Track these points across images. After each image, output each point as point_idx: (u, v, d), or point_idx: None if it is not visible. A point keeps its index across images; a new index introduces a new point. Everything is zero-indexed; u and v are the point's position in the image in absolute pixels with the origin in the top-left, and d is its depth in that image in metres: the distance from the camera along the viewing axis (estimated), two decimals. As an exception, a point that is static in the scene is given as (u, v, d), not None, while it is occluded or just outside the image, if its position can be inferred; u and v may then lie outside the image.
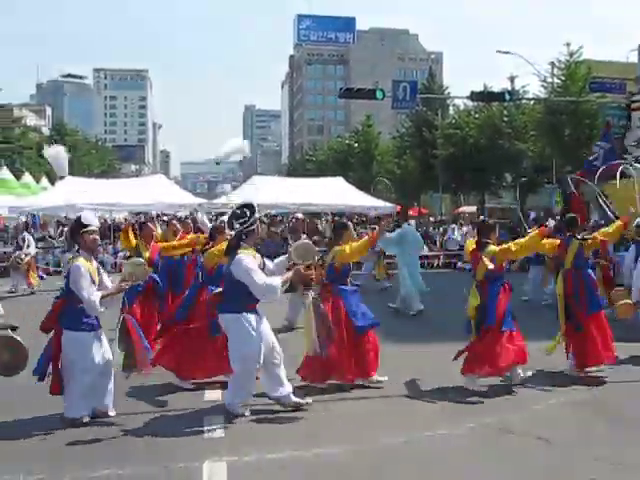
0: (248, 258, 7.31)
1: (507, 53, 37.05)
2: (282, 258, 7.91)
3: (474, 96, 29.94)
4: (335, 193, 28.57)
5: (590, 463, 6.13)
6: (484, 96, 30.84)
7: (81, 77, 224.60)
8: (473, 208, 50.42)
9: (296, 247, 7.90)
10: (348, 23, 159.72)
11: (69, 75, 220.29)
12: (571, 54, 34.26)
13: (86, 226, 7.26)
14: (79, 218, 7.37)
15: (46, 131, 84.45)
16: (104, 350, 7.18)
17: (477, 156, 41.37)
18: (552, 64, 35.08)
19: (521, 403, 8.02)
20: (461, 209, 53.88)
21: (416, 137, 50.31)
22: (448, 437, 6.84)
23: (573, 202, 14.00)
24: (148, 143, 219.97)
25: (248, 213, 7.53)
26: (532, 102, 39.10)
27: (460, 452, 6.46)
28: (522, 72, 63.23)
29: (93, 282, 7.10)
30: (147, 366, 7.54)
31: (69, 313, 7.05)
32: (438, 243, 29.90)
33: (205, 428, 7.00)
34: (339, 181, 32.16)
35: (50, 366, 7.06)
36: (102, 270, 7.49)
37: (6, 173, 39.75)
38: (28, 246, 20.20)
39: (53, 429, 6.98)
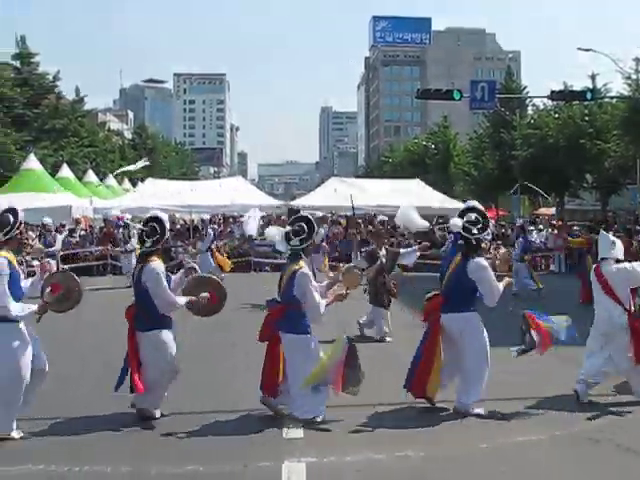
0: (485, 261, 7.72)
1: (588, 50, 36.14)
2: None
3: (554, 95, 29.38)
4: (413, 195, 28.44)
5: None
6: (564, 95, 30.23)
7: (162, 82, 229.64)
8: (552, 210, 49.46)
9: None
10: (424, 24, 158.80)
11: (150, 80, 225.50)
12: (657, 50, 33.28)
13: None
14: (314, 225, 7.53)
15: (128, 135, 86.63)
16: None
17: (556, 157, 40.54)
18: (637, 60, 34.12)
19: (609, 411, 7.78)
20: (539, 211, 52.92)
21: (494, 138, 49.64)
22: (530, 444, 6.69)
23: None
24: (226, 145, 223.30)
25: (480, 218, 7.76)
26: (615, 100, 38.12)
27: (542, 460, 6.31)
28: (604, 70, 61.59)
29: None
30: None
31: (291, 318, 7.23)
32: (516, 245, 29.34)
33: (285, 429, 7.05)
34: (417, 182, 32.04)
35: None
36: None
37: (91, 176, 41.06)
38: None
39: (141, 425, 7.16)
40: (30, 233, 26.99)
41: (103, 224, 29.21)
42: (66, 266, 23.68)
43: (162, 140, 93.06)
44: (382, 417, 7.44)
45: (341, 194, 28.53)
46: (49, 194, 29.55)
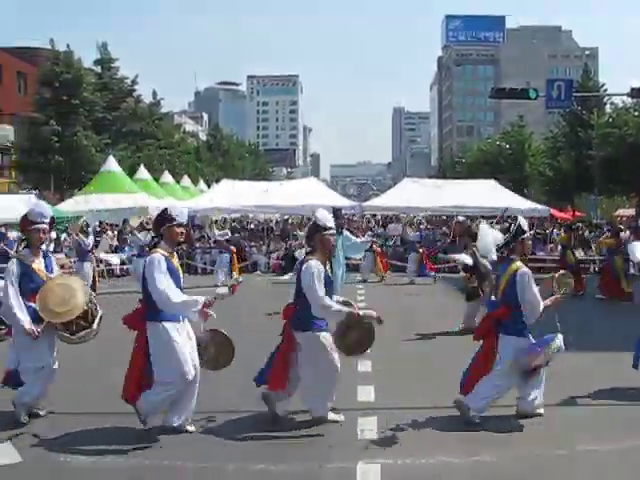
0: None
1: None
2: None
3: (634, 92, 28.46)
4: (488, 195, 28.08)
5: None
6: (645, 92, 29.25)
7: (235, 84, 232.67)
8: (631, 211, 48.18)
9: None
10: (497, 22, 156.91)
11: (224, 82, 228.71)
12: None
13: (524, 232, 7.57)
14: (519, 225, 7.59)
15: (203, 136, 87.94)
16: None
17: (636, 156, 39.45)
18: None
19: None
20: (618, 212, 51.62)
21: (570, 137, 48.67)
22: (610, 454, 6.45)
23: None
24: (299, 146, 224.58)
25: None
26: (699, 97, 36.86)
27: (621, 470, 6.10)
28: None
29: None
30: None
31: (511, 319, 7.33)
32: (594, 248, 28.71)
33: (359, 429, 7.05)
34: (492, 183, 31.62)
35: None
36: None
37: (167, 177, 41.85)
38: None
39: (220, 424, 7.24)
40: (109, 232, 27.80)
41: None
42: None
43: (236, 141, 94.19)
44: (456, 419, 7.31)
45: (416, 195, 28.37)
46: (127, 195, 30.26)
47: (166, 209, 7.09)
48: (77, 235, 19.14)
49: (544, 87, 27.26)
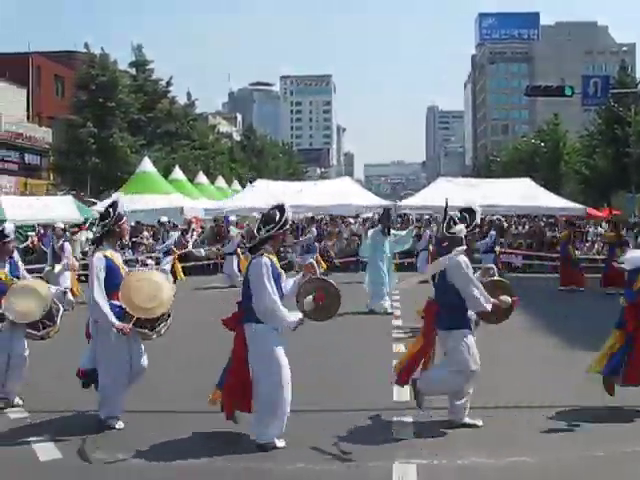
0: None
1: None
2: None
3: (673, 89, 28.13)
4: (523, 194, 27.83)
5: None
6: (684, 89, 28.86)
7: (269, 84, 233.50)
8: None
9: None
10: (532, 19, 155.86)
11: (258, 83, 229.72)
12: None
13: None
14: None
15: (237, 137, 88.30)
16: None
17: (676, 153, 38.90)
18: None
19: None
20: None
21: (607, 135, 48.07)
22: None
23: None
24: (332, 146, 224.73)
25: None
26: None
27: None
28: None
29: None
30: None
31: None
32: (631, 247, 28.32)
33: (394, 429, 7.04)
34: (527, 182, 31.35)
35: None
36: None
37: (202, 177, 42.16)
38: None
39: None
40: (145, 233, 28.02)
41: (214, 224, 29.96)
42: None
43: (270, 142, 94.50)
44: (493, 420, 7.27)
45: (450, 194, 28.21)
46: (162, 195, 30.51)
47: (279, 208, 6.70)
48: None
49: (580, 84, 26.96)
